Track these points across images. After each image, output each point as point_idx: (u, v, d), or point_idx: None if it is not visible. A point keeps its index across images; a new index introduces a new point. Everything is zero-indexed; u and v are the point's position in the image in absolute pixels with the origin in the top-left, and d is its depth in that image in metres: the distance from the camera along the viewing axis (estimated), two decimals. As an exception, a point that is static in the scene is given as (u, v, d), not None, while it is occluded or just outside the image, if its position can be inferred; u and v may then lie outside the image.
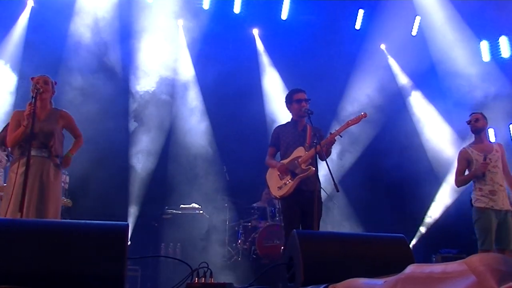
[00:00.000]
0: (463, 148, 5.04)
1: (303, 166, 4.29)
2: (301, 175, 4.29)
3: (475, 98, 8.15)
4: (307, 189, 4.30)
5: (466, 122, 4.98)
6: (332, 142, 4.36)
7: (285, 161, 4.45)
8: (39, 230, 2.34)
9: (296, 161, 4.37)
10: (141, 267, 6.22)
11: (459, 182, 5.00)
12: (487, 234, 4.63)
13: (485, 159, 4.75)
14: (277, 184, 4.43)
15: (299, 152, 4.40)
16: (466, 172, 4.98)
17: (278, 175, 4.44)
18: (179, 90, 8.40)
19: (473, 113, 5.01)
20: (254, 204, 7.39)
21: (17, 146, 4.01)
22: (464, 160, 4.94)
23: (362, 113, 4.43)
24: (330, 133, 4.37)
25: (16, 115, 4.10)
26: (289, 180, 4.36)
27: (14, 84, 7.18)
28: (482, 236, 4.68)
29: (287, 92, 4.82)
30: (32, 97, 3.81)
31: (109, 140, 7.19)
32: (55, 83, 4.31)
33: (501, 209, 4.70)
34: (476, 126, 4.92)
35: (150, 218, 7.31)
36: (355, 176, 8.16)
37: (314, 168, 4.29)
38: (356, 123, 4.43)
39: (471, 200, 4.91)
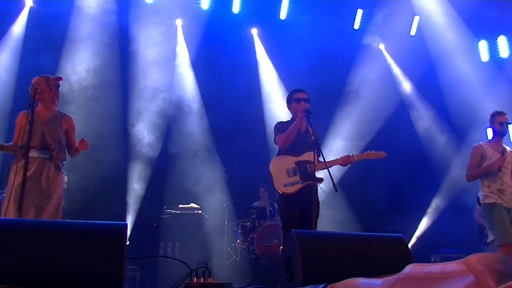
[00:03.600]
0: (478, 144, 4.99)
1: (314, 174, 4.29)
2: (312, 182, 4.28)
3: (474, 98, 8.16)
4: (306, 190, 4.31)
5: (499, 122, 4.87)
6: (348, 163, 4.49)
7: (296, 159, 4.43)
8: (37, 230, 2.34)
9: (307, 165, 4.37)
10: (140, 267, 6.21)
11: (472, 176, 4.91)
12: (504, 225, 4.58)
13: (502, 154, 4.76)
14: (284, 181, 4.36)
15: (310, 156, 4.37)
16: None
17: (287, 170, 4.40)
18: (177, 90, 8.39)
19: (504, 113, 4.92)
20: (255, 203, 7.39)
21: (19, 147, 3.99)
22: (479, 155, 4.88)
23: (382, 153, 4.62)
24: (348, 156, 4.49)
25: (20, 118, 4.07)
26: (298, 181, 4.35)
27: (12, 86, 7.17)
28: (500, 229, 4.60)
29: (286, 92, 4.83)
30: (31, 96, 3.80)
31: (107, 139, 7.19)
32: (60, 78, 4.25)
33: (509, 207, 4.71)
34: (506, 129, 4.92)
35: (149, 217, 7.30)
36: (354, 176, 8.15)
37: (323, 179, 4.35)
38: (373, 158, 4.60)
39: (478, 199, 4.89)
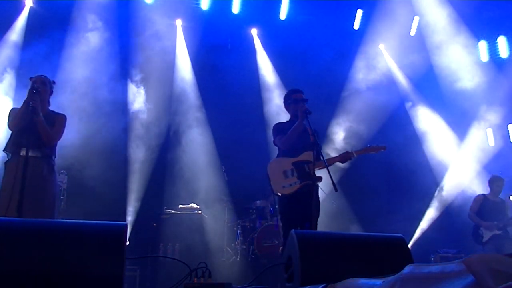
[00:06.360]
0: None
1: (313, 173, 4.26)
2: (310, 182, 4.27)
3: (473, 98, 8.15)
4: (305, 190, 4.31)
5: None
6: (347, 159, 4.47)
7: (293, 160, 4.43)
8: (37, 230, 2.34)
9: (305, 165, 4.36)
10: (140, 267, 6.21)
11: None
12: None
13: None
14: (282, 183, 4.37)
15: (308, 156, 4.36)
16: None
17: (284, 172, 4.39)
18: (177, 89, 8.40)
19: None
20: (257, 202, 7.36)
21: (11, 143, 3.99)
22: None
23: (383, 146, 4.63)
24: (347, 152, 4.46)
25: (12, 113, 4.07)
26: (296, 182, 4.34)
27: (12, 87, 7.17)
28: None
29: (285, 93, 4.83)
30: (30, 96, 3.81)
31: (107, 139, 7.18)
32: (54, 82, 4.29)
33: None
34: None
35: (149, 218, 7.30)
36: (354, 176, 8.15)
37: (322, 177, 4.33)
38: (374, 152, 4.61)
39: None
